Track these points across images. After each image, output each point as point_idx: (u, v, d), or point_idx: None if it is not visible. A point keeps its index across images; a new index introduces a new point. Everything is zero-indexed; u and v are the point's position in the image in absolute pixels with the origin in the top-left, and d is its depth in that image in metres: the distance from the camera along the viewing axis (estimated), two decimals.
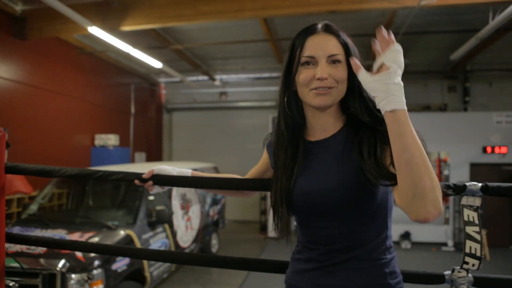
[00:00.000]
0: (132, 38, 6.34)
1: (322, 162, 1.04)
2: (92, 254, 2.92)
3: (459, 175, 6.80)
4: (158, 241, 3.80)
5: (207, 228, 5.35)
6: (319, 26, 1.06)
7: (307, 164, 1.06)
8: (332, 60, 1.01)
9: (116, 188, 4.17)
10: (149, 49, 6.76)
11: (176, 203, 4.35)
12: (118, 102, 8.45)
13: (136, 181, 1.30)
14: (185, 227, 4.48)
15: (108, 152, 7.21)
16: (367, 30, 6.37)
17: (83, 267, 2.85)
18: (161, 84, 10.20)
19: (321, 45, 1.02)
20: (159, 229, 3.88)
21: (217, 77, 9.53)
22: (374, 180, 0.92)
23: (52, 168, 1.42)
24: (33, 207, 4.03)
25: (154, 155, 9.74)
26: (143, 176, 1.28)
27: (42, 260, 2.86)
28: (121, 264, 3.13)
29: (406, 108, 0.87)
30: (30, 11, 5.57)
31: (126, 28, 5.22)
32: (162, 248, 3.84)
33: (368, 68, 1.01)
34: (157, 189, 1.31)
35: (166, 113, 10.43)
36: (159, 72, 9.19)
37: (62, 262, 2.82)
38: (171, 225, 4.11)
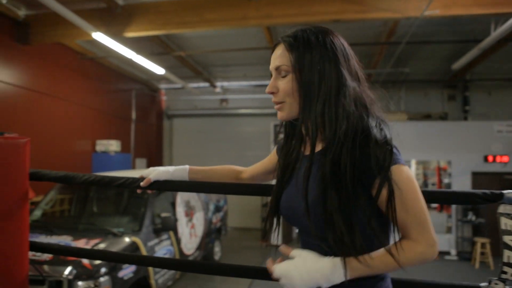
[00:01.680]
0: (135, 44, 6.35)
1: (300, 179, 0.96)
2: (99, 261, 2.89)
3: (461, 183, 6.82)
4: (163, 248, 3.77)
5: (210, 235, 5.32)
6: (283, 37, 0.99)
7: (295, 178, 0.99)
8: (279, 73, 0.97)
9: (120, 194, 4.14)
10: (152, 56, 6.76)
11: (180, 210, 4.33)
12: (119, 108, 8.43)
13: (138, 190, 1.31)
14: (189, 234, 4.45)
15: (109, 158, 7.17)
16: (370, 39, 6.43)
17: (90, 275, 2.82)
18: (162, 90, 10.20)
19: (273, 58, 0.99)
20: (164, 236, 3.85)
21: (218, 84, 9.54)
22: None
23: (74, 175, 1.41)
24: (37, 213, 3.99)
25: (155, 161, 9.70)
26: (141, 184, 1.29)
27: (46, 267, 2.82)
28: (127, 271, 3.10)
29: (346, 274, 0.84)
30: (33, 16, 5.57)
31: (130, 34, 5.23)
32: (167, 255, 3.81)
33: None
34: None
35: (166, 119, 10.42)
36: (160, 78, 9.19)
37: (68, 269, 2.78)
38: (175, 232, 4.08)
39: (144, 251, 3.40)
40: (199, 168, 1.33)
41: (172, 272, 3.94)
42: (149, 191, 1.30)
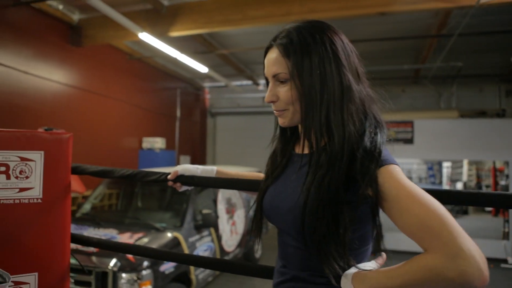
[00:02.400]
0: (179, 43, 6.49)
1: (289, 177, 0.93)
2: None
3: None
4: (204, 245, 3.81)
5: (251, 233, 5.32)
6: (275, 39, 0.90)
7: (284, 173, 0.96)
8: (278, 80, 0.89)
9: (163, 191, 4.24)
10: (195, 54, 6.87)
11: (221, 207, 4.36)
12: (165, 106, 8.68)
13: (169, 182, 1.32)
14: (230, 232, 4.48)
15: (154, 155, 7.40)
16: (418, 32, 6.12)
17: (133, 267, 2.90)
18: (206, 88, 10.37)
19: (268, 64, 0.91)
20: (205, 232, 3.89)
21: (261, 81, 9.54)
22: None
23: (111, 169, 1.45)
24: (87, 207, 4.18)
25: (199, 159, 9.90)
26: (168, 177, 1.31)
27: (94, 258, 2.94)
28: (168, 266, 3.16)
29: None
30: (85, 20, 5.86)
31: (175, 33, 5.34)
32: (208, 252, 3.85)
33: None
34: (184, 187, 1.34)
35: (210, 117, 10.59)
36: (204, 77, 9.35)
37: (113, 261, 2.88)
38: (216, 229, 4.12)
39: (185, 247, 3.45)
40: (226, 172, 1.33)
41: None
42: (188, 188, 1.30)
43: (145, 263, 2.95)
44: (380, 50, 7.06)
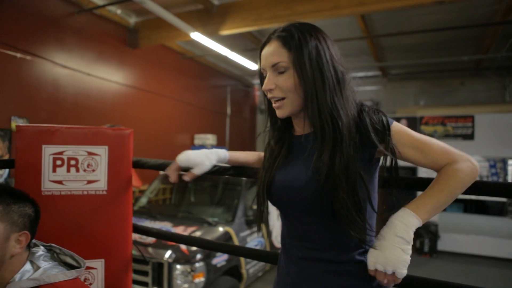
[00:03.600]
0: (229, 41, 6.60)
1: (298, 157, 1.01)
2: (195, 248, 3.09)
3: None
4: (254, 240, 3.87)
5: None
6: (274, 33, 0.98)
7: (288, 158, 1.04)
8: (277, 69, 0.96)
9: (215, 186, 4.36)
10: (245, 52, 6.95)
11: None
12: (215, 104, 8.88)
13: (185, 178, 1.30)
14: (280, 228, 4.50)
15: None
16: (480, 20, 5.72)
17: (187, 260, 3.02)
18: (255, 85, 10.46)
19: (267, 55, 0.97)
20: (256, 228, 3.95)
21: None
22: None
23: (170, 163, 1.52)
24: (143, 200, 4.41)
25: None
26: (183, 177, 1.29)
27: (150, 249, 3.10)
28: (220, 259, 3.25)
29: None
30: (141, 23, 6.14)
31: (225, 32, 5.44)
32: (258, 247, 3.91)
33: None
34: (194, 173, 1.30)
35: (260, 114, 10.67)
36: (253, 74, 9.43)
37: (168, 252, 3.02)
38: (267, 225, 4.17)
39: (236, 241, 3.53)
40: (238, 156, 1.35)
41: (262, 264, 4.03)
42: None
43: (198, 256, 3.06)
44: (437, 42, 6.70)
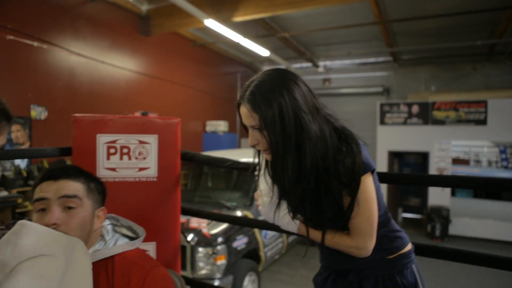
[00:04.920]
0: (241, 28, 6.59)
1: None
2: (216, 231, 3.17)
3: None
4: None
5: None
6: (243, 97, 1.05)
7: None
8: (255, 128, 1.03)
9: (231, 172, 4.42)
10: (257, 38, 6.95)
11: None
12: (226, 90, 8.92)
13: None
14: None
15: (218, 138, 7.67)
16: (494, 4, 5.65)
17: (208, 242, 3.11)
18: None
19: (244, 116, 1.04)
20: None
21: (321, 63, 9.42)
22: None
23: (218, 159, 1.63)
24: None
25: None
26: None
27: None
28: (240, 242, 3.34)
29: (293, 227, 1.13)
30: (153, 10, 6.15)
31: (238, 18, 5.44)
32: (277, 235, 3.99)
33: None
34: None
35: None
36: (263, 60, 9.42)
37: (191, 235, 3.11)
38: None
39: None
40: None
41: (279, 247, 4.12)
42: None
43: (219, 239, 3.15)
44: (450, 26, 6.64)
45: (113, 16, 5.70)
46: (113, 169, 1.51)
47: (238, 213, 3.60)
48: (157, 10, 6.13)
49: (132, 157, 1.53)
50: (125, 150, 1.52)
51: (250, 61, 9.62)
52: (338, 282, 1.18)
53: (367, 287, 1.11)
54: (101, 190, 1.12)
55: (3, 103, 0.87)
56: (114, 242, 1.09)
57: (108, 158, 1.51)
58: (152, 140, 1.57)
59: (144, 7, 6.13)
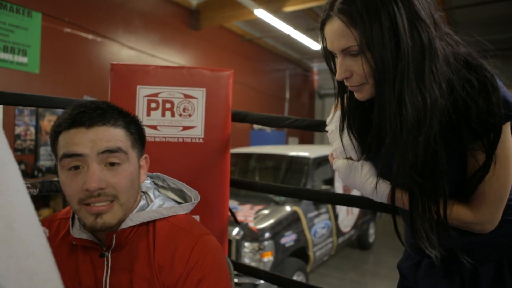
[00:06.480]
0: (291, 21, 6.38)
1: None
2: (263, 226, 2.99)
3: None
4: (321, 222, 3.71)
5: (366, 215, 5.06)
6: (333, 7, 0.75)
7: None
8: (349, 53, 0.76)
9: (278, 166, 4.23)
10: (307, 31, 6.71)
11: (338, 185, 4.19)
12: (274, 88, 8.74)
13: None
14: (346, 211, 4.29)
15: (265, 135, 7.52)
16: None
17: (255, 237, 2.93)
18: (314, 70, 10.16)
19: (332, 38, 0.77)
20: (323, 209, 3.78)
21: None
22: None
23: (277, 117, 1.39)
24: None
25: (306, 140, 9.82)
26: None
27: None
28: (288, 239, 3.13)
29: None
30: (203, 4, 6.12)
31: (289, 8, 5.24)
32: (325, 230, 3.74)
33: None
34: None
35: (318, 98, 10.39)
36: (312, 57, 9.16)
37: (236, 230, 2.95)
38: (333, 208, 3.98)
39: (304, 221, 3.39)
40: None
41: (328, 247, 3.86)
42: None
43: (267, 234, 2.96)
44: (503, 15, 6.03)
45: (164, 11, 5.73)
46: (154, 127, 1.32)
47: (288, 208, 3.40)
48: (207, 3, 6.09)
49: (175, 114, 1.33)
50: (168, 105, 1.32)
51: (299, 58, 9.38)
52: (438, 268, 0.86)
53: (486, 274, 0.81)
54: (141, 133, 0.90)
55: None
56: (160, 203, 0.88)
57: (148, 114, 1.32)
58: (199, 94, 1.35)
59: (194, 2, 6.11)
